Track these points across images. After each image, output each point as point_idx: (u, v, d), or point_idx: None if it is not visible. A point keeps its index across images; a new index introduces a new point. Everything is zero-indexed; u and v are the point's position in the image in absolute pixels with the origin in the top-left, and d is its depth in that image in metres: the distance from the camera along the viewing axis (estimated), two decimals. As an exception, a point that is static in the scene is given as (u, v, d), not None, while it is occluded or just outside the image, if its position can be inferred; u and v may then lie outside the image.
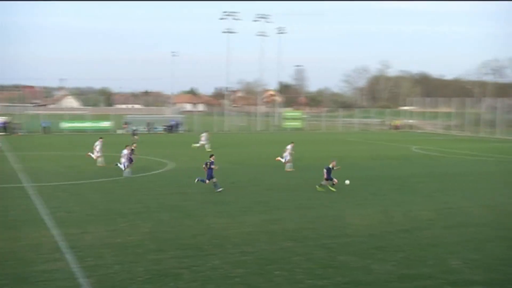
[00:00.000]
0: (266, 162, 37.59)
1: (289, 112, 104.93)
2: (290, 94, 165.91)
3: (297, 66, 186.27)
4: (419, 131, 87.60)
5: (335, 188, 25.65)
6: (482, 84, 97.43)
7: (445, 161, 41.61)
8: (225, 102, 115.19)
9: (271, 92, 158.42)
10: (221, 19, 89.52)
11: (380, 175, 32.17)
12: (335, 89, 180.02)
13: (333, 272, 13.79)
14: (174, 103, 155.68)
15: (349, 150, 50.31)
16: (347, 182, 26.01)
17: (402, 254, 15.53)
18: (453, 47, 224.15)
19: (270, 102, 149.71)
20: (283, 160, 33.92)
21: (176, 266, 14.08)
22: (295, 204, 22.91)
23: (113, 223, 18.86)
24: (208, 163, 25.69)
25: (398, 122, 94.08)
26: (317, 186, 26.32)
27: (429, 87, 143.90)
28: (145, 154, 41.10)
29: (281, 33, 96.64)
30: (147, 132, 72.28)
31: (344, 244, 16.54)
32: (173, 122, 77.16)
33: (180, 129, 76.70)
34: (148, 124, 75.41)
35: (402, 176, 32.04)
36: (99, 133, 69.14)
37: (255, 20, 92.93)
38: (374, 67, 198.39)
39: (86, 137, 60.43)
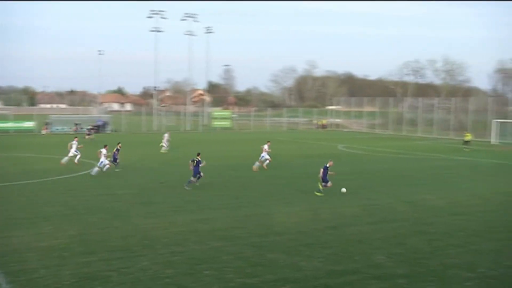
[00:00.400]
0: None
1: (218, 111, 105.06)
2: (218, 93, 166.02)
3: (226, 65, 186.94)
4: (345, 130, 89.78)
5: (322, 193, 24.85)
6: (404, 84, 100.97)
7: (369, 158, 42.88)
8: (154, 101, 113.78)
9: (200, 92, 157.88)
10: (149, 17, 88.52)
11: (307, 173, 32.72)
12: (264, 89, 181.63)
13: (263, 270, 13.98)
14: (101, 103, 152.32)
15: (278, 149, 50.88)
16: (344, 190, 25.06)
17: (330, 250, 15.93)
18: (376, 48, 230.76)
19: (199, 102, 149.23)
20: (265, 163, 34.23)
21: (104, 269, 13.86)
22: (225, 203, 23.02)
23: (39, 227, 18.32)
24: (195, 161, 26.50)
25: (324, 121, 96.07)
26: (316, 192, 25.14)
27: (354, 87, 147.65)
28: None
29: (209, 32, 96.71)
30: (74, 132, 70.63)
31: (273, 242, 16.78)
32: (100, 122, 75.55)
33: (107, 129, 75.22)
34: (76, 124, 73.60)
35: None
36: (22, 134, 67.04)
37: (183, 19, 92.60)
38: (301, 67, 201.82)
39: (9, 138, 58.28)
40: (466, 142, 52.91)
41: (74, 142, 35.31)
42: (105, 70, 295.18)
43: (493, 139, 63.43)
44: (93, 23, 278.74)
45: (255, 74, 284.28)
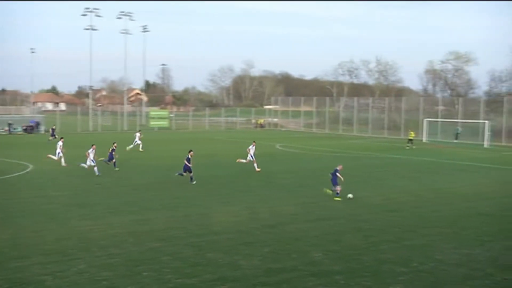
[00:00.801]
0: (132, 162, 37.01)
1: (155, 111, 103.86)
2: (156, 93, 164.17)
3: (163, 65, 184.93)
4: (283, 129, 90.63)
5: (340, 198, 24.28)
6: (339, 84, 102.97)
7: (306, 157, 43.51)
8: (89, 101, 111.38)
9: (137, 91, 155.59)
10: (83, 15, 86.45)
11: (246, 172, 32.90)
12: (201, 88, 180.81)
13: (202, 270, 13.97)
14: (34, 103, 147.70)
15: (216, 148, 51.03)
16: (350, 196, 24.32)
17: (268, 248, 16.08)
18: (312, 49, 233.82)
19: (136, 101, 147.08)
20: (244, 161, 34.34)
21: (39, 273, 13.50)
22: (163, 203, 22.84)
23: (-33, 231, 17.65)
24: (187, 157, 28.16)
25: (262, 120, 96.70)
26: (326, 189, 25.08)
27: (290, 87, 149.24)
28: (4, 156, 38.88)
29: (145, 31, 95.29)
30: (6, 133, 68.52)
31: (212, 241, 16.80)
32: (33, 122, 73.38)
33: (40, 129, 73.10)
34: (9, 124, 71.23)
35: (267, 172, 33.02)
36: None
37: (118, 18, 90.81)
38: (238, 67, 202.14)
39: None
40: (410, 140, 54.95)
41: (60, 143, 35.82)
42: (38, 69, 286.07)
43: (425, 137, 65.55)
44: (24, 20, 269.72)
45: (193, 74, 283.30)
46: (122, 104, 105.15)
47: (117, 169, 32.76)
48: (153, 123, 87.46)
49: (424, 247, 16.49)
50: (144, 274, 13.53)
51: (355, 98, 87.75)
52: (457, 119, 69.72)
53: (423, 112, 73.97)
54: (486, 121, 62.44)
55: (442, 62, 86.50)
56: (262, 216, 20.68)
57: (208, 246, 16.21)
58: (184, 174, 28.30)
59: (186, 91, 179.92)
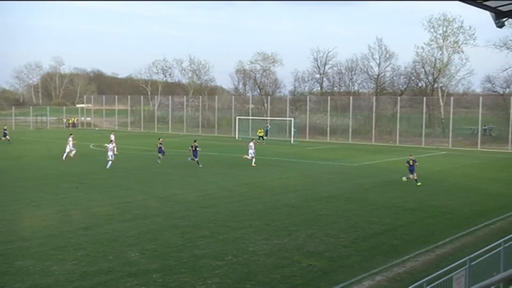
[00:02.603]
0: None
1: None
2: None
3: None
4: (97, 128, 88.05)
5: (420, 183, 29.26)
6: (153, 83, 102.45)
7: (121, 157, 42.76)
8: None
9: None
10: None
11: (57, 173, 31.54)
12: (6, 86, 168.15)
13: (11, 279, 13.18)
14: None
15: (25, 149, 48.00)
16: (404, 179, 30.15)
17: (83, 251, 15.64)
18: (125, 47, 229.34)
19: None
20: (249, 157, 37.85)
21: None
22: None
23: None
24: (194, 146, 36.39)
25: (74, 119, 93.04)
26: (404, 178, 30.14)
27: (103, 85, 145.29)
28: None
29: None
30: None
31: (21, 248, 15.90)
32: None
33: None
34: None
35: (80, 173, 31.97)
36: None
37: None
38: (47, 64, 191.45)
39: None
40: (261, 137, 59.52)
41: (70, 138, 40.05)
42: None
43: (237, 135, 68.08)
44: None
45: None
46: None
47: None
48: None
49: (238, 240, 17.23)
50: None
51: (170, 97, 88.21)
52: (266, 116, 73.47)
53: (235, 110, 76.79)
54: (292, 119, 66.68)
55: (251, 62, 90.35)
56: (76, 219, 20.01)
57: (16, 254, 15.30)
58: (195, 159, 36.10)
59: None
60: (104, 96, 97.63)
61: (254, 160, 37.70)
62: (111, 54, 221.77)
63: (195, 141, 37.52)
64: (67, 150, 39.74)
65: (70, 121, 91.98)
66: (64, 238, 17.18)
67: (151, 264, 14.58)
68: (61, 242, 16.61)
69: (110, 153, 35.51)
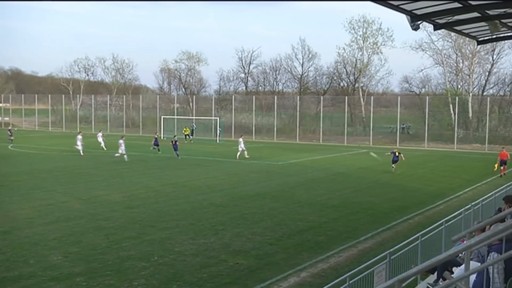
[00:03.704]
0: None
1: None
2: None
3: None
4: (16, 128, 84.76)
5: None
6: (75, 82, 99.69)
7: (42, 157, 41.53)
8: None
9: None
10: None
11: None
12: None
13: None
14: None
15: None
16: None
17: (2, 256, 15.09)
18: (44, 44, 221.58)
19: None
20: (245, 152, 41.90)
21: None
22: None
23: None
24: (173, 141, 41.89)
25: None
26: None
27: (22, 83, 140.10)
28: None
29: None
30: None
31: None
32: None
33: None
34: None
35: (-2, 176, 30.77)
36: None
37: None
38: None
39: None
40: (186, 136, 61.84)
41: (79, 136, 43.97)
42: None
43: (162, 134, 67.43)
44: None
45: None
46: None
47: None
48: None
49: (164, 241, 17.13)
50: None
51: (93, 96, 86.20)
52: (191, 116, 73.17)
53: (160, 110, 76.02)
54: (217, 118, 66.77)
55: (176, 61, 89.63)
56: (-6, 223, 19.25)
57: None
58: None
59: None
60: (23, 95, 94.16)
61: (245, 153, 42.15)
62: (30, 51, 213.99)
63: (174, 136, 44.57)
64: (78, 147, 43.08)
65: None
66: (-19, 243, 16.51)
67: (74, 268, 14.26)
68: (-22, 248, 15.96)
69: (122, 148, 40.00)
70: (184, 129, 63.57)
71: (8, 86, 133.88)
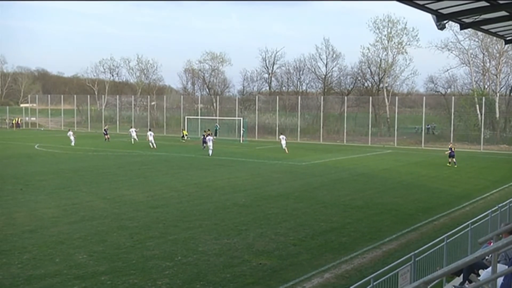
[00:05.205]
0: None
1: None
2: None
3: None
4: (42, 128, 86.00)
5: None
6: (100, 82, 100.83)
7: (68, 157, 41.99)
8: None
9: None
10: None
11: (1, 175, 30.66)
12: None
13: (-48, 285, 12.77)
14: None
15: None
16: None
17: (28, 255, 15.28)
18: (70, 45, 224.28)
19: None
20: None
21: None
22: None
23: None
24: (204, 135, 47.03)
25: (18, 119, 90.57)
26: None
27: (48, 84, 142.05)
28: None
29: None
30: None
31: (-37, 253, 15.41)
32: None
33: None
34: None
35: (25, 175, 31.18)
36: None
37: None
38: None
39: None
40: (183, 137, 63.68)
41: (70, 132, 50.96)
42: None
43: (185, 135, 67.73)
44: None
45: None
46: None
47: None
48: None
49: (188, 240, 17.18)
50: None
51: (118, 96, 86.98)
52: (215, 116, 73.38)
53: (184, 110, 76.38)
54: (241, 118, 66.83)
55: (200, 62, 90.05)
56: (21, 221, 19.50)
57: (-43, 259, 14.82)
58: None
59: None
60: (49, 96, 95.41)
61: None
62: (56, 52, 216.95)
63: (208, 130, 50.94)
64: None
65: (14, 121, 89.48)
66: (8, 241, 16.73)
67: (99, 266, 14.37)
68: (5, 246, 16.18)
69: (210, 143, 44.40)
70: (183, 130, 66.44)
71: (34, 86, 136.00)
